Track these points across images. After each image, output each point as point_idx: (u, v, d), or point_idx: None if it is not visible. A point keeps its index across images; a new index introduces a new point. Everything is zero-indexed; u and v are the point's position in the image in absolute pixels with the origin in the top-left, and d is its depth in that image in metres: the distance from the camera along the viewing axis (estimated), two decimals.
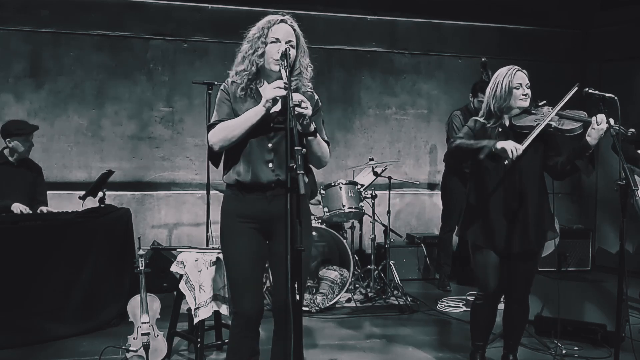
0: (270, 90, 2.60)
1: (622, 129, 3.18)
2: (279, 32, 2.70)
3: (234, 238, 2.75)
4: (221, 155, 2.83)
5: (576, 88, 3.34)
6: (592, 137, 3.15)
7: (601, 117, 3.14)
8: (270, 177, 2.71)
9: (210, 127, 2.74)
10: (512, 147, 3.12)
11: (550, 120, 3.25)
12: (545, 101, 3.41)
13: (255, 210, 2.74)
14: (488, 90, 3.41)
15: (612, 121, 3.16)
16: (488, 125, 3.38)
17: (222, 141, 2.68)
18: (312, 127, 2.65)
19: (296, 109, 2.48)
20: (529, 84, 3.36)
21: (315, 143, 2.71)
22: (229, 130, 2.67)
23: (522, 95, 3.33)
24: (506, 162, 3.15)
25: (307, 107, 2.53)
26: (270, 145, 2.71)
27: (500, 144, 3.17)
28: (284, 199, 2.38)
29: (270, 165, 2.71)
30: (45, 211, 4.60)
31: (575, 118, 3.29)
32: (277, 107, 2.65)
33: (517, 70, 3.35)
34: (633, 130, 3.20)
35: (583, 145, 3.19)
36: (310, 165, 2.90)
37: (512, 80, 3.31)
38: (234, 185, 2.76)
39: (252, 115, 2.65)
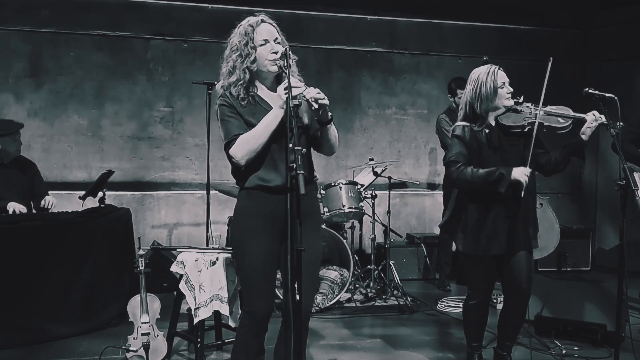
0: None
1: (604, 117, 3.22)
2: (264, 32, 2.69)
3: (257, 237, 2.70)
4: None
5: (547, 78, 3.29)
6: (586, 134, 3.23)
7: (593, 114, 3.21)
8: None
9: (229, 144, 2.65)
10: (523, 177, 3.13)
11: (541, 120, 3.26)
12: (523, 96, 3.36)
13: (284, 209, 2.67)
14: (469, 92, 3.31)
15: (596, 113, 3.21)
16: (475, 128, 3.30)
17: (249, 154, 2.62)
18: (330, 115, 2.68)
19: (319, 101, 2.54)
20: (509, 82, 3.35)
21: (332, 130, 2.77)
22: (253, 141, 2.62)
23: (507, 94, 3.29)
24: (503, 189, 3.15)
25: (325, 97, 2.57)
26: (289, 145, 2.69)
27: (514, 176, 3.13)
28: (305, 197, 2.38)
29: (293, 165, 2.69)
30: (47, 201, 4.60)
31: (565, 115, 3.31)
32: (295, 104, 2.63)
33: (498, 69, 3.30)
34: (621, 123, 3.23)
35: (579, 142, 3.25)
36: (320, 154, 2.91)
37: (495, 79, 3.26)
38: (256, 188, 2.70)
39: (271, 119, 2.62)
